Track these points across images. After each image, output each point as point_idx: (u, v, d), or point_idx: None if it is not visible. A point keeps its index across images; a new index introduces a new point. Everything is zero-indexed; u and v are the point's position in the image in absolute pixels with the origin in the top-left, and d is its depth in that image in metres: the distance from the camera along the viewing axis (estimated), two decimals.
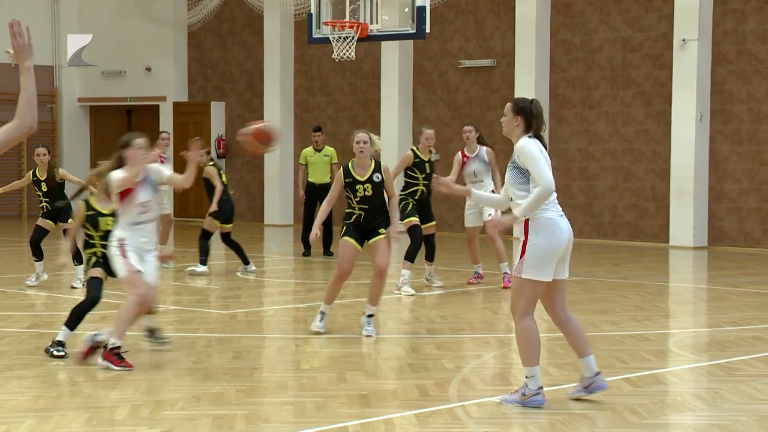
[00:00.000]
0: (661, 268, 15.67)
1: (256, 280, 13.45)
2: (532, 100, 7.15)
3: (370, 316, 9.25)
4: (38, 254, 12.24)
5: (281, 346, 9.16)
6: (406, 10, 14.10)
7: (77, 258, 12.17)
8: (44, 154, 12.21)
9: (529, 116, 6.97)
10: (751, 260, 16.34)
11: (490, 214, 11.88)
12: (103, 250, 8.33)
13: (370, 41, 15.15)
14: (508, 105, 7.11)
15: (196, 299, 11.78)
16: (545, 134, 7.35)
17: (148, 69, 23.75)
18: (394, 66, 20.61)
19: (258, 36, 22.43)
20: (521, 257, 6.73)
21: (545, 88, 19.41)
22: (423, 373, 7.83)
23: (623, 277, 13.87)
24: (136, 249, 7.96)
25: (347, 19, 14.30)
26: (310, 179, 15.87)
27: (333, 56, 14.46)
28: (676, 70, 17.92)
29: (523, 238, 6.77)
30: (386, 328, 10.33)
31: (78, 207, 8.55)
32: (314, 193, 15.64)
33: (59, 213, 12.21)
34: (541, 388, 6.81)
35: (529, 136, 6.99)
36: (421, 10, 13.74)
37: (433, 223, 12.48)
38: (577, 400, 6.94)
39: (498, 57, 19.97)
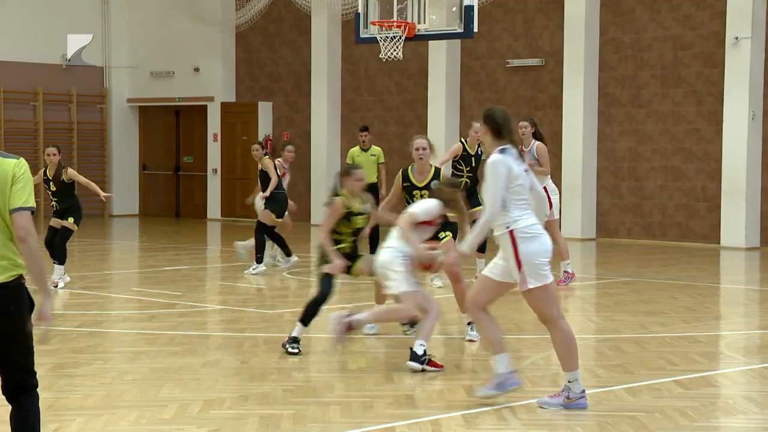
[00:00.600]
0: (711, 269, 15.51)
1: (302, 280, 13.50)
2: (500, 107, 7.02)
3: (470, 323, 9.16)
4: (55, 255, 12.30)
5: (328, 346, 9.18)
6: (454, 9, 14.08)
7: (58, 257, 12.16)
8: (54, 154, 12.37)
9: (493, 123, 6.84)
10: None
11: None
12: (352, 246, 8.60)
13: (417, 41, 15.14)
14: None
15: (242, 299, 11.86)
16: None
17: (197, 69, 23.94)
18: (442, 65, 20.59)
19: (305, 36, 22.52)
20: (519, 271, 6.65)
21: (594, 87, 19.29)
22: (470, 374, 7.82)
23: (673, 278, 13.73)
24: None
25: (395, 18, 14.31)
26: None
27: (380, 56, 14.47)
28: (728, 68, 17.73)
29: (513, 252, 6.65)
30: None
31: (336, 204, 8.49)
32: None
33: (65, 211, 12.29)
34: (584, 391, 6.77)
35: (503, 150, 6.81)
36: (469, 9, 13.70)
37: (479, 208, 12.46)
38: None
39: (546, 56, 19.88)
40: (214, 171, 23.85)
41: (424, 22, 14.34)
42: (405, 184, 9.18)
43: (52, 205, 12.43)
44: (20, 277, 4.63)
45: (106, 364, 8.13)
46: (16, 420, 4.67)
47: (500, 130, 6.83)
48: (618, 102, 19.22)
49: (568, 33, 19.23)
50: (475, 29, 13.86)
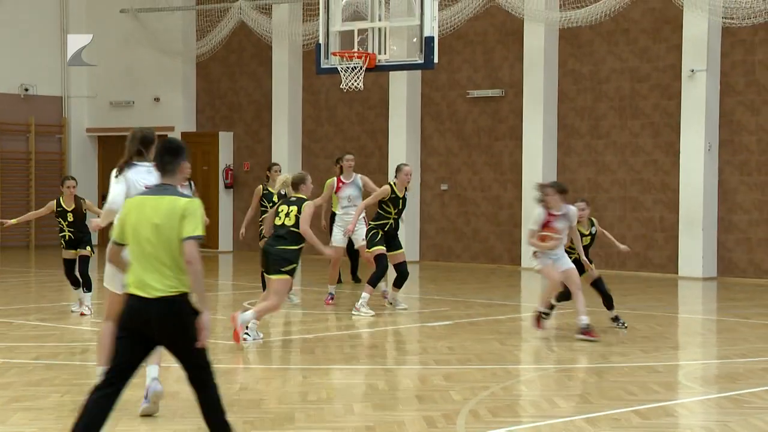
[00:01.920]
0: (669, 299, 15.64)
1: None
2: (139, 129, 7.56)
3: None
4: (77, 283, 12.52)
5: (288, 377, 9.15)
6: (414, 40, 14.15)
7: (86, 285, 12.34)
8: (74, 186, 12.53)
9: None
10: (761, 291, 16.29)
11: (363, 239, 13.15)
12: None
13: (378, 71, 15.19)
14: None
15: None
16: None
17: (157, 99, 23.88)
18: (402, 96, 20.70)
19: (266, 66, 22.56)
20: None
21: (553, 117, 19.47)
22: (431, 404, 7.82)
23: (632, 308, 13.83)
24: None
25: (355, 49, 14.36)
26: (334, 209, 15.93)
27: (341, 86, 14.51)
28: (685, 100, 17.97)
29: None
30: (393, 359, 10.32)
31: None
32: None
33: (80, 241, 12.47)
34: None
35: (119, 168, 7.37)
36: (430, 40, 13.79)
37: (401, 251, 13.13)
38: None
39: (506, 87, 20.05)
40: None
41: (385, 53, 14.39)
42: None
43: (65, 236, 12.43)
44: (182, 294, 5.59)
45: (62, 397, 8.04)
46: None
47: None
48: (577, 133, 19.41)
49: (528, 64, 19.42)
50: (436, 60, 13.94)
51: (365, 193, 13.70)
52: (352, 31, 14.53)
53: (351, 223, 13.11)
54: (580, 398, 8.06)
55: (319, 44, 14.66)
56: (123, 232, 5.79)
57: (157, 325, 5.58)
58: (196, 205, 5.65)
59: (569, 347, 10.69)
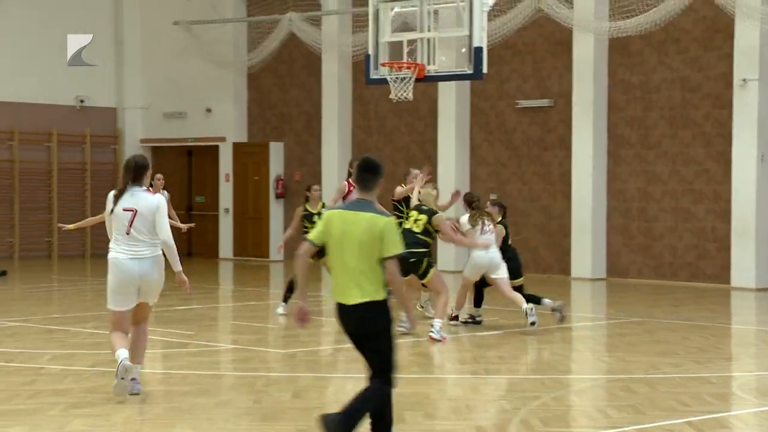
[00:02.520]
0: (722, 309, 15.45)
1: (315, 320, 13.49)
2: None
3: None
4: None
5: (339, 385, 9.17)
6: (464, 50, 14.13)
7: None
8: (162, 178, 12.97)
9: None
10: None
11: None
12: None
13: (427, 82, 15.20)
14: None
15: (255, 338, 11.85)
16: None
17: (209, 110, 24.07)
18: (451, 106, 20.68)
19: (316, 77, 22.66)
20: None
21: (603, 127, 19.34)
22: (482, 414, 7.79)
23: (684, 318, 13.69)
24: None
25: (405, 60, 14.37)
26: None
27: (390, 97, 14.53)
28: (737, 110, 17.76)
29: None
30: (445, 368, 10.30)
31: None
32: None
33: None
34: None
35: (119, 192, 8.23)
36: (479, 50, 13.76)
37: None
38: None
39: (555, 97, 19.95)
40: (226, 211, 23.91)
41: (434, 64, 14.39)
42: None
43: None
44: (374, 302, 6.20)
45: (119, 404, 8.12)
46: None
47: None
48: (627, 143, 19.26)
49: (577, 74, 19.31)
50: (485, 70, 13.91)
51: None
52: (402, 41, 14.56)
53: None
54: (632, 409, 7.99)
55: (369, 55, 14.69)
56: (322, 238, 6.32)
57: (354, 328, 6.29)
58: (393, 224, 6.27)
59: (621, 357, 10.60)
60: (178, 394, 8.46)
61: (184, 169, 24.91)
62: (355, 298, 6.19)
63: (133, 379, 8.18)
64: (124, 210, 8.13)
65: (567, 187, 19.64)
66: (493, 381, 9.15)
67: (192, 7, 23.51)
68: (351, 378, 9.49)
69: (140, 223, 8.11)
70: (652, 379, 9.32)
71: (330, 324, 13.25)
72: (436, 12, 14.52)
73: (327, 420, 6.13)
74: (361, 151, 22.40)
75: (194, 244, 24.65)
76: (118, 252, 8.18)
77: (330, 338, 12.27)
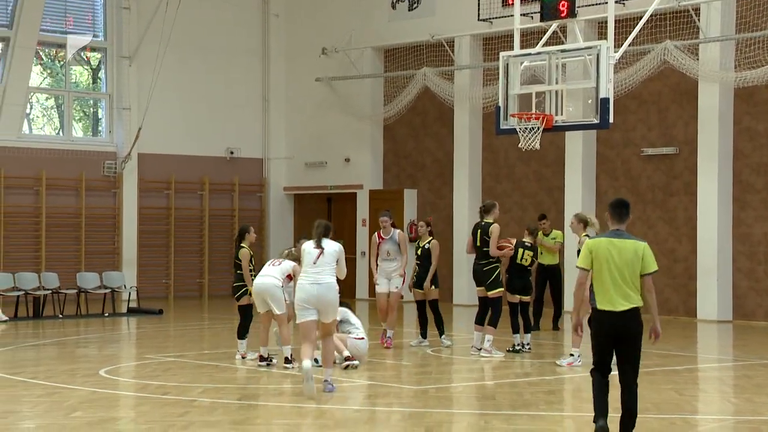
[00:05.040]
0: None
1: (446, 357, 13.47)
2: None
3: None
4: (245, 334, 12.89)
5: (470, 422, 9.12)
6: (590, 101, 14.06)
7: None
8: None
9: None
10: None
11: (396, 286, 14.09)
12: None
13: (555, 131, 15.14)
14: None
15: (389, 375, 11.90)
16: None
17: (347, 159, 24.46)
18: (578, 154, 20.50)
19: (448, 127, 22.79)
20: None
21: (728, 174, 18.85)
22: None
23: None
24: None
25: (533, 111, 14.37)
26: (541, 261, 16.29)
27: (519, 146, 14.53)
28: None
29: None
30: (571, 405, 10.14)
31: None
32: (545, 274, 16.76)
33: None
34: None
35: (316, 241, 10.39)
36: (605, 101, 13.67)
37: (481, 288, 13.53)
38: None
39: (680, 144, 19.57)
40: (363, 254, 24.16)
41: (562, 114, 14.35)
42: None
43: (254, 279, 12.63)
44: (636, 309, 7.59)
45: None
46: (621, 395, 7.71)
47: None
48: (753, 188, 18.71)
49: (702, 122, 18.91)
50: (611, 120, 13.80)
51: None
52: (530, 93, 14.56)
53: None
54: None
55: (499, 107, 14.74)
56: (590, 262, 7.74)
57: (618, 329, 7.57)
58: (648, 247, 7.75)
59: (749, 399, 10.24)
60: (317, 428, 8.56)
61: (323, 215, 25.29)
62: (623, 306, 7.54)
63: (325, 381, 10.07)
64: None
65: (692, 231, 19.17)
66: (617, 419, 8.96)
67: (332, 64, 24.02)
68: (482, 414, 9.44)
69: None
70: None
71: (459, 362, 13.21)
72: (563, 65, 14.50)
73: (603, 428, 7.50)
74: (490, 197, 22.35)
75: None
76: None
77: (461, 375, 12.23)
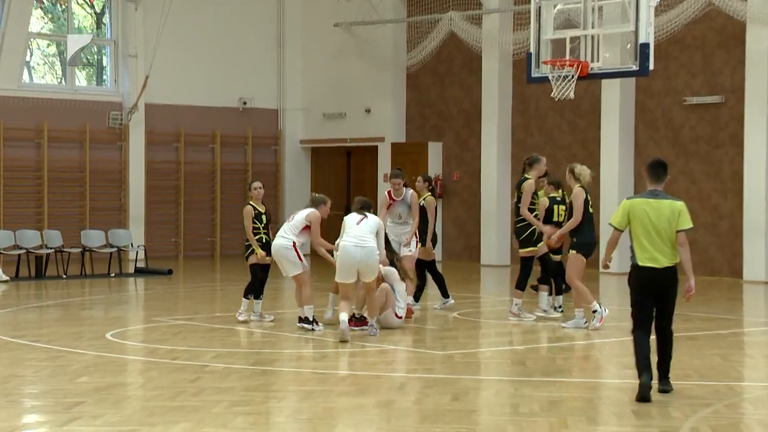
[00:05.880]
0: None
1: (473, 321, 13.47)
2: None
3: None
4: (259, 293, 12.79)
5: (499, 388, 9.12)
6: (629, 46, 13.88)
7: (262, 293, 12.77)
8: (262, 188, 13.06)
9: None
10: None
11: (410, 250, 13.60)
12: None
13: (590, 79, 14.98)
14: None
15: (413, 340, 11.91)
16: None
17: (368, 110, 24.35)
18: (615, 104, 20.31)
19: (476, 76, 22.62)
20: None
21: None
22: (648, 420, 7.61)
23: None
24: None
25: (567, 57, 14.21)
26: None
27: (552, 95, 14.39)
28: None
29: None
30: (609, 372, 10.12)
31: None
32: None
33: (269, 244, 12.66)
34: None
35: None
36: (645, 47, 13.48)
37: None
38: None
39: (726, 93, 19.34)
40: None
41: (598, 61, 14.18)
42: None
43: (261, 238, 12.67)
44: (675, 266, 8.32)
45: (279, 403, 8.30)
46: (658, 344, 8.45)
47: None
48: None
49: (750, 69, 18.67)
50: (651, 67, 13.62)
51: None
52: (564, 38, 14.39)
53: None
54: None
55: (530, 53, 14.59)
56: (625, 222, 8.39)
57: (661, 285, 8.29)
58: (684, 206, 8.37)
59: None
60: (337, 395, 8.58)
61: (342, 170, 25.27)
62: (665, 263, 8.27)
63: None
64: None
65: (739, 186, 19.01)
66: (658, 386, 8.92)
67: (352, 9, 23.82)
68: (511, 381, 9.43)
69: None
70: None
71: (488, 326, 13.21)
72: (600, 8, 14.31)
73: (647, 385, 8.09)
74: (521, 150, 22.25)
75: None
76: None
77: (488, 340, 12.23)
